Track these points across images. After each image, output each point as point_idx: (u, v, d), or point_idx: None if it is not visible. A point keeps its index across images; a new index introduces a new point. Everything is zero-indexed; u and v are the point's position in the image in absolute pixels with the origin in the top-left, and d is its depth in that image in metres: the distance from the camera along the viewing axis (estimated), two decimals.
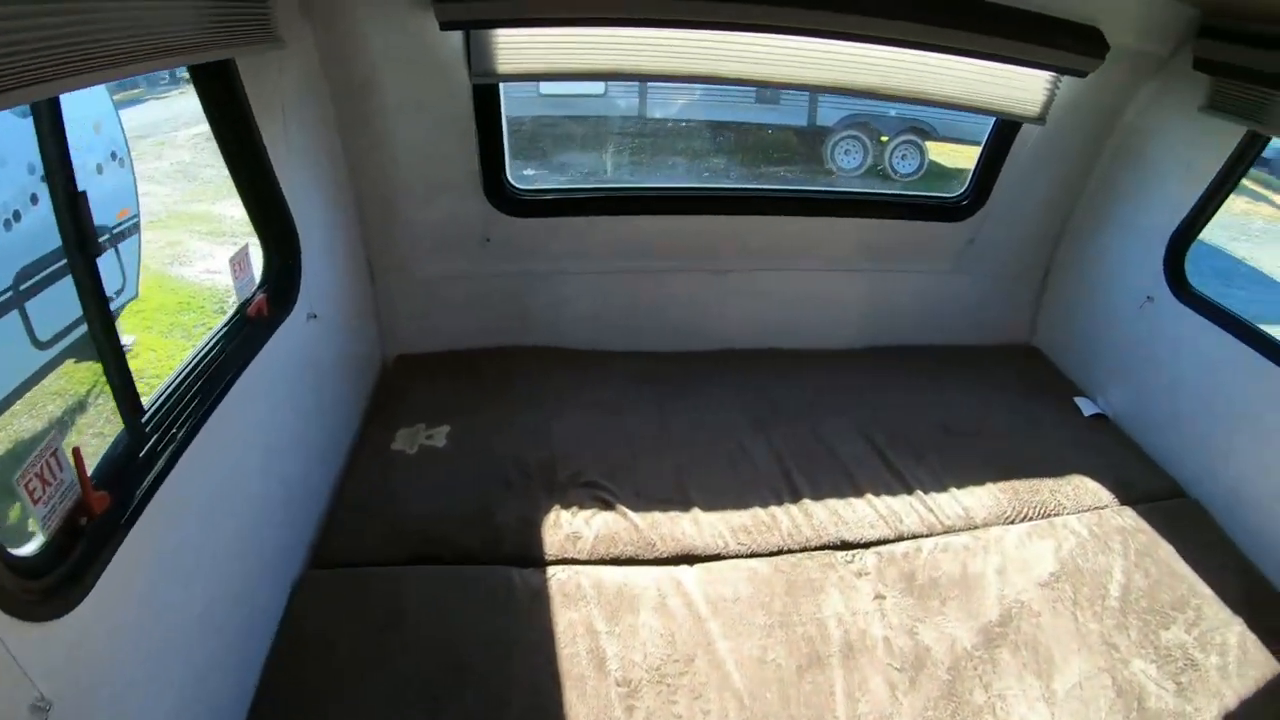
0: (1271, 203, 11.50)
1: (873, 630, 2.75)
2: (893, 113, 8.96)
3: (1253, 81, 3.22)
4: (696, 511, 3.16)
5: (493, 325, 4.08)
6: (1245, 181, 4.00)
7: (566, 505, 3.13)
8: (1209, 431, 3.63)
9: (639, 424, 3.63)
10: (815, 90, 3.56)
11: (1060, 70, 3.50)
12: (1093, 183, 4.29)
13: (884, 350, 4.54)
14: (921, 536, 3.16)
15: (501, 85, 3.54)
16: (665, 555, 2.97)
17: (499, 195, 3.77)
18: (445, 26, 3.05)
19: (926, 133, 9.16)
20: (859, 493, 3.33)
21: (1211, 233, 3.93)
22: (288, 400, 2.95)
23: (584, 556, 2.95)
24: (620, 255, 4.01)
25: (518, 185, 3.82)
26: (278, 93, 2.80)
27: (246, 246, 2.84)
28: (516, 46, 3.26)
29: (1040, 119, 3.76)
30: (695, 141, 8.66)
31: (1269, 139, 3.47)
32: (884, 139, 9.09)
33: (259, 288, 2.88)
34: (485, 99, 3.55)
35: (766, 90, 8.24)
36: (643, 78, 3.52)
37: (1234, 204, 11.17)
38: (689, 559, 2.97)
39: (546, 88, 7.24)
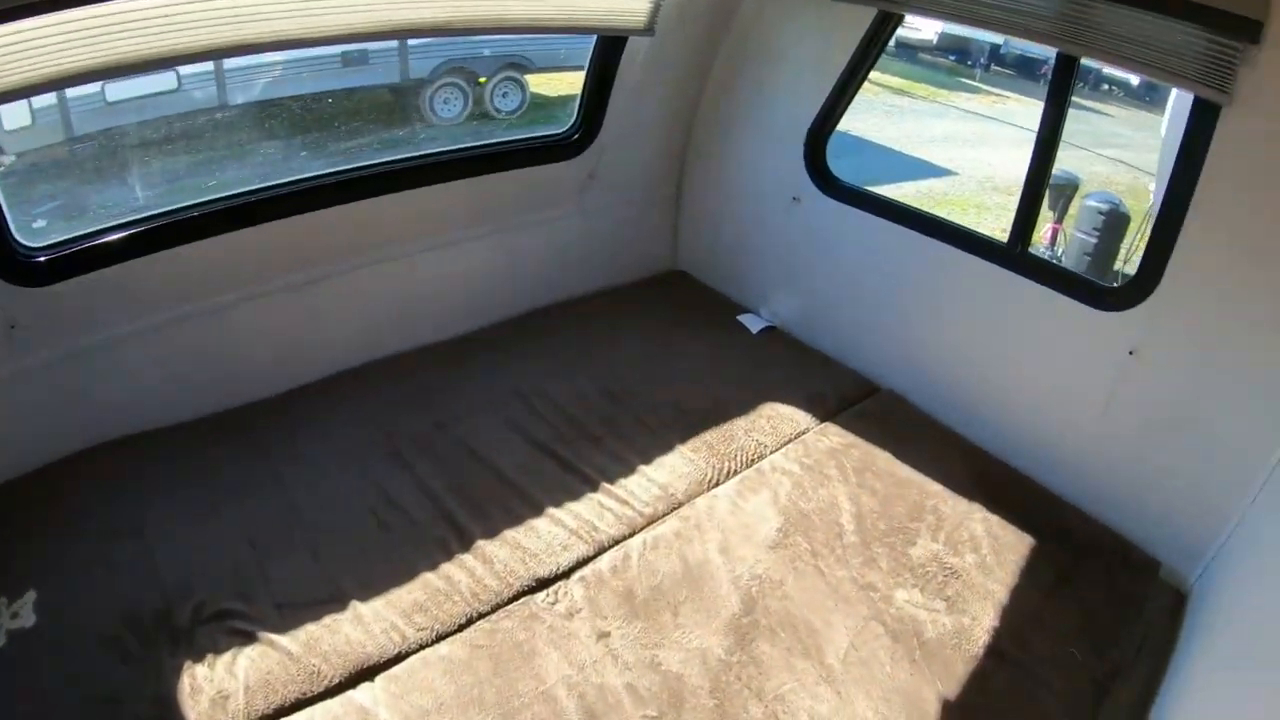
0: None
1: (610, 681, 2.35)
2: (486, 52, 8.95)
3: None
4: (356, 605, 2.54)
5: (52, 432, 3.05)
6: None
7: (199, 657, 2.39)
8: (881, 315, 3.77)
9: (256, 509, 2.87)
10: (382, 37, 2.84)
11: None
12: (712, 88, 4.25)
13: (524, 319, 4.16)
14: (625, 539, 2.81)
15: None
16: (336, 680, 2.35)
17: (8, 265, 2.75)
18: None
19: (524, 66, 9.26)
20: (538, 510, 2.89)
21: None
22: None
23: None
24: (184, 296, 3.20)
25: (29, 244, 2.82)
26: None
27: None
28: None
29: (648, 29, 3.54)
30: (280, 124, 7.78)
31: (902, 16, 3.56)
32: (482, 80, 9.07)
33: None
34: None
35: (352, 51, 7.77)
36: (173, 60, 2.57)
37: None
38: (366, 673, 2.38)
39: (113, 93, 5.99)
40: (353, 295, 3.59)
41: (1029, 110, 12.62)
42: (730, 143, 4.28)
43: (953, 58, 16.38)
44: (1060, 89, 3.14)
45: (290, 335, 3.47)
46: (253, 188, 3.18)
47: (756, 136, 4.13)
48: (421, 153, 3.58)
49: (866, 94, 12.93)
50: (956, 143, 11.77)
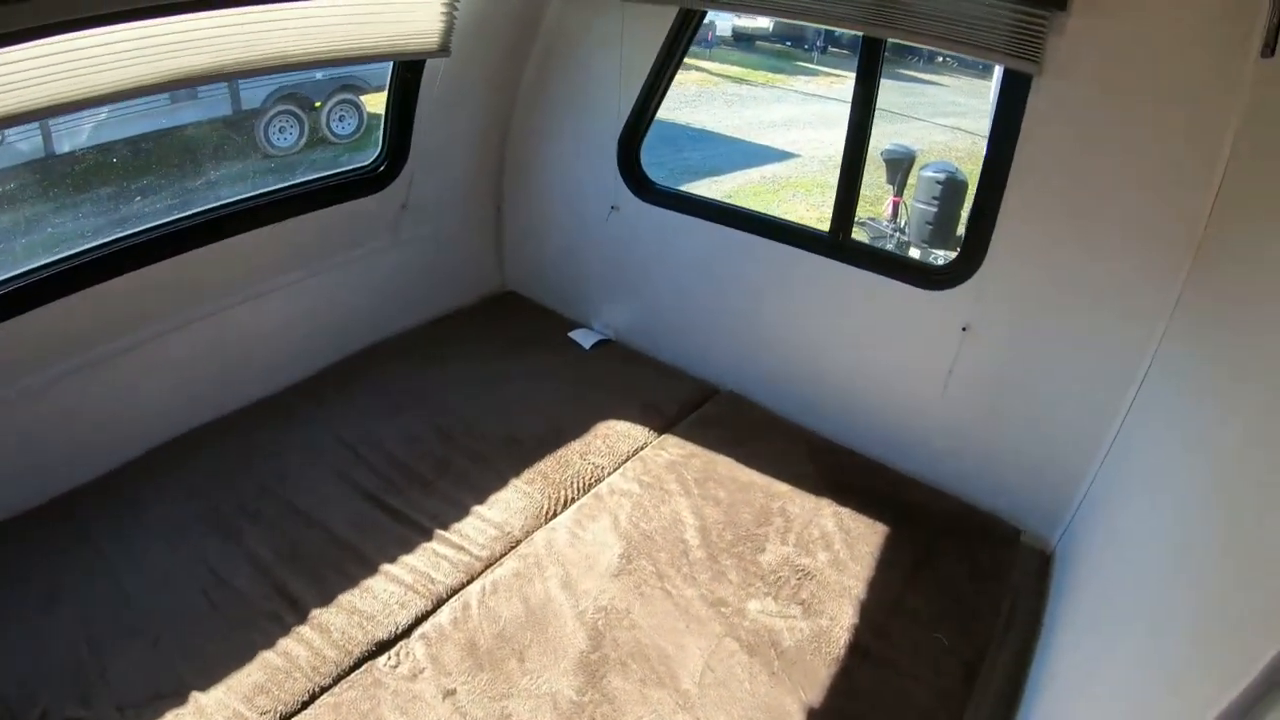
0: (700, 69, 14.19)
1: None
2: (319, 76, 8.69)
3: None
4: (196, 697, 2.37)
5: None
6: None
7: None
8: (713, 317, 3.80)
9: (89, 601, 2.67)
10: (155, 91, 2.65)
11: None
12: (523, 102, 4.21)
13: (350, 361, 4.01)
14: (463, 587, 2.70)
15: None
16: None
17: None
18: None
19: (360, 87, 9.02)
20: (372, 569, 2.75)
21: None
22: None
23: None
24: None
25: None
26: None
27: None
28: None
29: (443, 50, 3.43)
30: (108, 174, 7.38)
31: (704, 13, 3.60)
32: (318, 105, 8.85)
33: None
34: None
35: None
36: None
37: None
38: None
39: None
40: (166, 361, 3.39)
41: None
42: (546, 156, 4.24)
43: (789, 43, 16.79)
44: (868, 72, 3.18)
45: (104, 413, 3.25)
46: (47, 260, 2.95)
47: (571, 147, 4.10)
48: (222, 202, 3.40)
49: (708, 85, 13.38)
50: (798, 125, 12.07)
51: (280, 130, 8.59)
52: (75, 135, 7.15)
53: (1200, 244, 2.48)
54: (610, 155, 3.92)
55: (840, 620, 2.58)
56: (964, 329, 3.08)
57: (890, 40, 3.13)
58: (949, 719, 2.36)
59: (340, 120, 8.98)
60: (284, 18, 2.82)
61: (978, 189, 3.05)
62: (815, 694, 2.36)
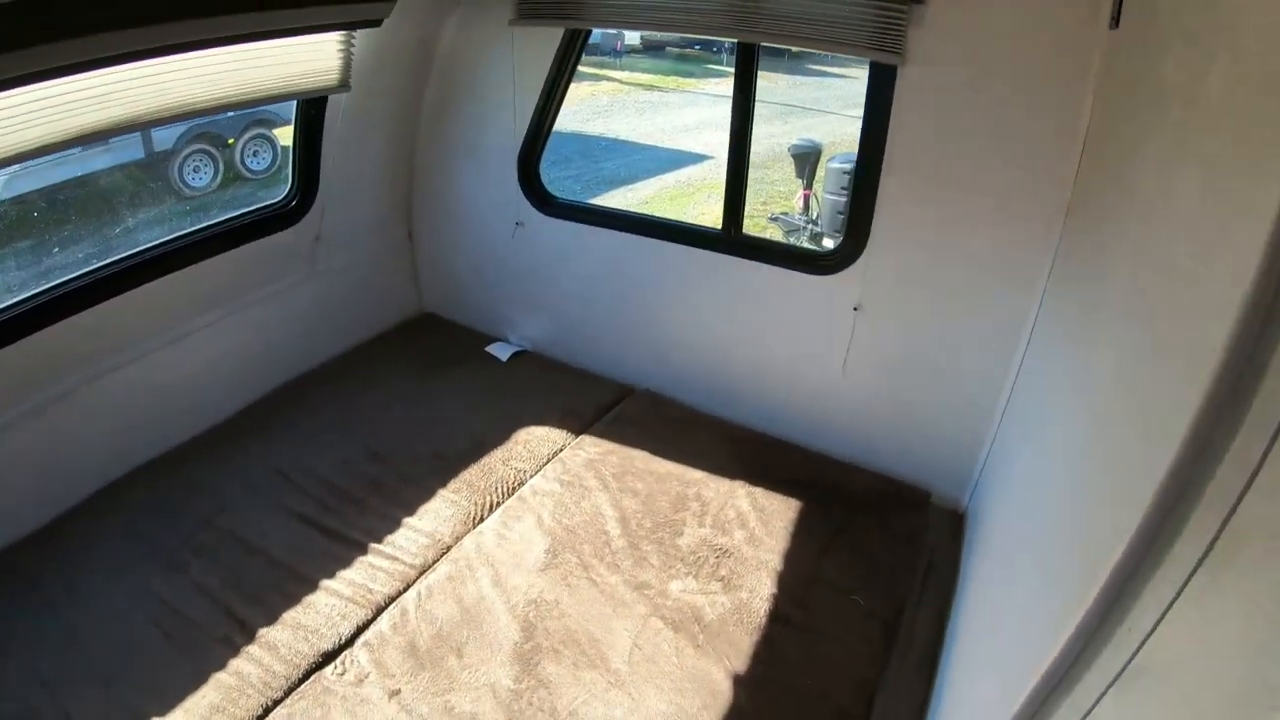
0: (611, 79, 14.37)
1: None
2: (230, 113, 8.40)
3: None
4: None
5: None
6: (583, 68, 4.09)
7: None
8: (622, 319, 4.03)
9: (41, 648, 2.73)
10: (47, 153, 2.73)
11: (353, 26, 3.33)
12: (425, 129, 4.38)
13: (278, 394, 4.13)
14: (400, 594, 2.86)
15: None
16: None
17: None
18: None
19: (272, 122, 9.02)
20: (312, 586, 2.89)
21: (565, 122, 4.27)
22: None
23: None
24: None
25: None
26: None
27: None
28: None
29: (344, 85, 3.59)
30: (27, 227, 7.33)
31: (589, 30, 3.79)
32: (230, 141, 8.84)
33: None
34: None
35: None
36: None
37: (578, 90, 14.09)
38: None
39: None
40: (97, 407, 3.44)
41: (775, 85, 13.34)
42: (451, 179, 4.40)
43: (697, 47, 17.01)
44: (745, 75, 3.39)
45: (39, 462, 3.28)
46: None
47: (474, 169, 4.27)
48: (137, 249, 3.46)
49: (620, 94, 13.50)
50: (710, 128, 12.20)
51: (195, 170, 8.56)
52: None
53: (1069, 207, 2.71)
54: (511, 173, 4.09)
55: (759, 592, 2.76)
56: (855, 309, 3.31)
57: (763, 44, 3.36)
58: (871, 675, 2.54)
59: (254, 156, 9.00)
60: (189, 66, 2.91)
61: (854, 176, 3.28)
62: (740, 662, 2.54)
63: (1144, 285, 1.60)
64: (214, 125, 8.63)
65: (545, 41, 3.77)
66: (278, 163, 9.10)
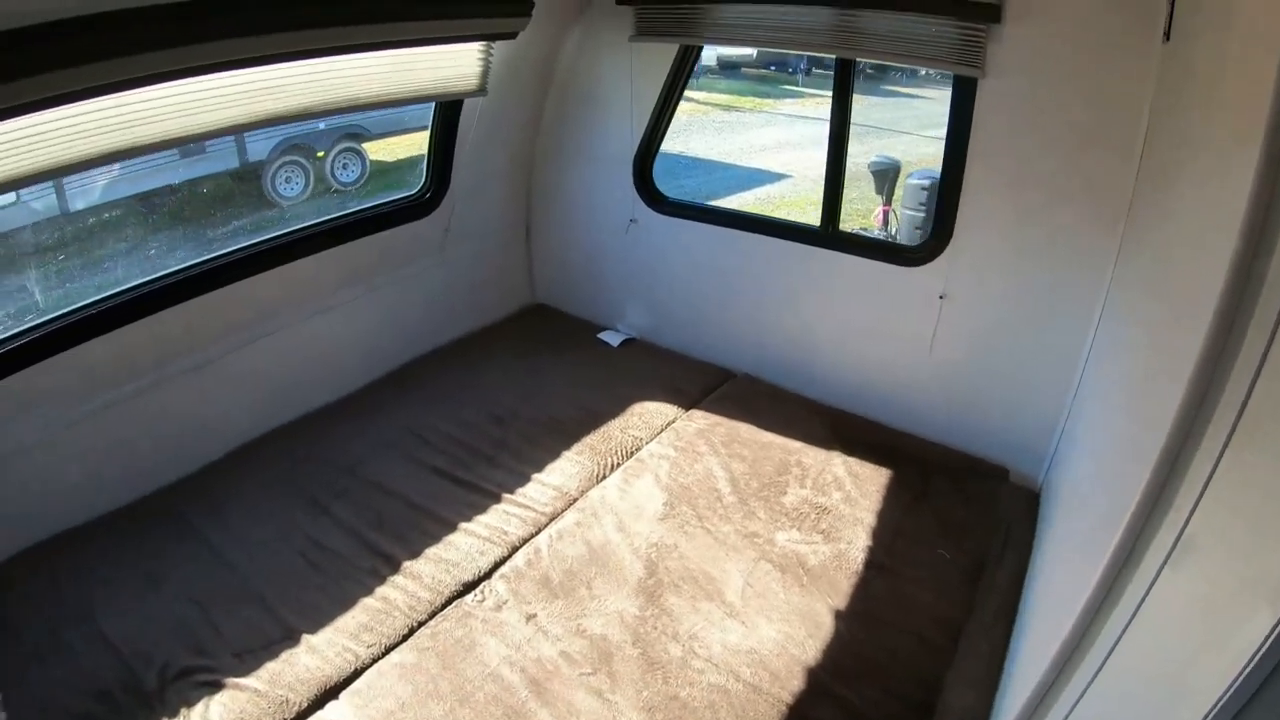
0: (689, 99, 14.57)
1: (545, 652, 2.76)
2: (322, 126, 9.10)
3: (670, 2, 3.93)
4: (307, 639, 2.85)
5: None
6: None
7: (174, 713, 2.62)
8: (724, 309, 4.45)
9: (195, 575, 3.10)
10: (236, 131, 3.18)
11: (492, 38, 3.79)
12: (545, 132, 4.85)
13: (406, 368, 4.60)
14: (533, 536, 3.25)
15: None
16: (304, 705, 2.65)
17: None
18: None
19: (362, 135, 9.52)
20: (451, 528, 3.29)
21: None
22: None
23: None
24: (85, 394, 3.37)
25: None
26: None
27: None
28: None
29: (482, 90, 4.06)
30: (129, 227, 7.80)
31: (701, 47, 4.25)
32: (320, 154, 9.26)
33: None
34: None
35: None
36: (67, 169, 2.86)
37: None
38: (330, 693, 2.69)
39: None
40: (246, 371, 3.87)
41: (854, 106, 13.62)
42: (568, 179, 4.87)
43: (773, 68, 17.40)
44: (843, 86, 3.83)
45: (194, 416, 3.71)
46: (134, 284, 3.41)
47: (590, 170, 4.74)
48: (289, 229, 3.91)
49: (697, 114, 13.87)
50: (788, 147, 12.61)
51: (286, 181, 8.91)
52: (88, 194, 7.45)
53: (1131, 200, 3.04)
54: (626, 175, 4.55)
55: (856, 543, 3.12)
56: (941, 297, 3.66)
57: (860, 60, 3.77)
58: (956, 616, 2.87)
59: (344, 169, 9.36)
60: (345, 67, 3.36)
61: (941, 176, 3.65)
62: (839, 600, 2.89)
63: (1176, 263, 1.95)
64: (306, 137, 8.98)
65: (661, 55, 4.21)
66: (366, 175, 9.49)
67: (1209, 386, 1.42)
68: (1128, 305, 2.75)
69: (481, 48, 3.83)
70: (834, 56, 3.76)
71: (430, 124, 4.34)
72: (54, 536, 3.30)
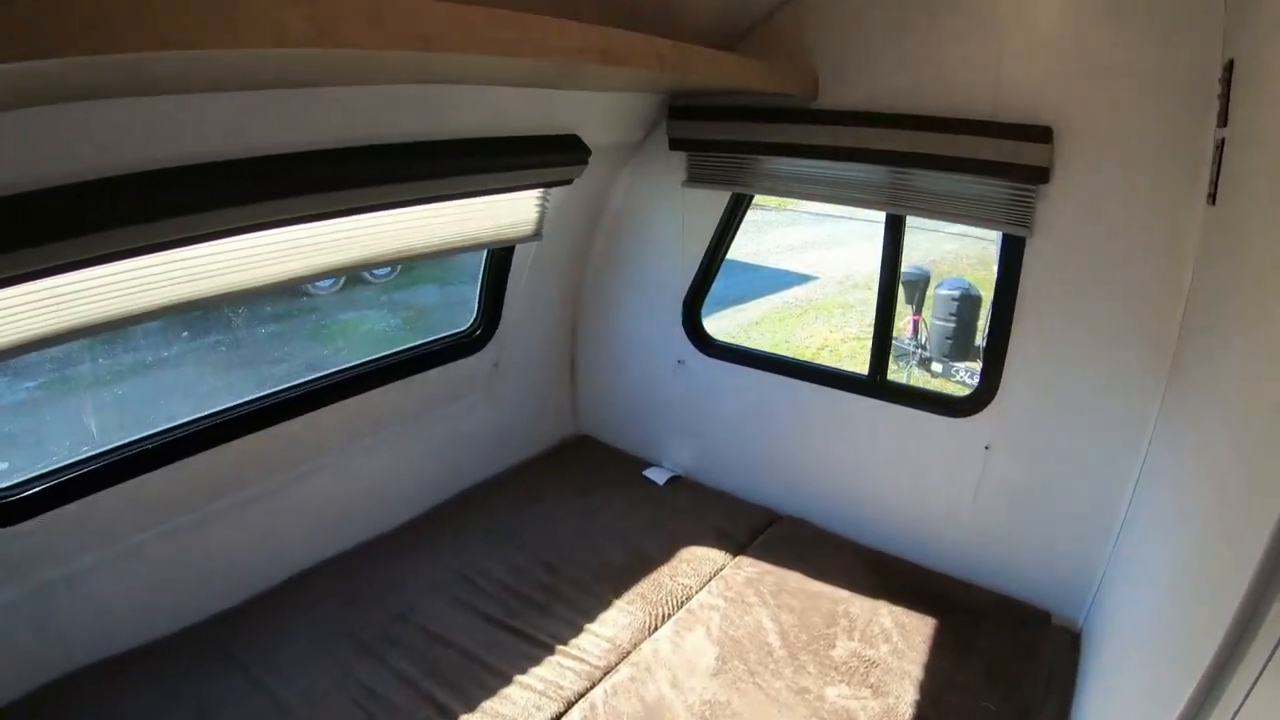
0: None
1: None
2: None
3: (723, 151, 4.13)
4: None
5: (20, 666, 3.13)
6: None
7: None
8: (771, 452, 4.57)
9: (248, 718, 3.13)
10: (295, 283, 3.33)
11: (551, 185, 3.97)
12: (592, 271, 5.05)
13: (453, 502, 4.65)
14: (588, 691, 3.29)
15: None
16: None
17: None
18: None
19: None
20: (506, 680, 3.34)
21: None
22: None
23: None
24: (143, 523, 3.45)
25: None
26: None
27: None
28: None
29: (537, 235, 4.26)
30: (168, 327, 8.22)
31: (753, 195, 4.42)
32: None
33: None
34: None
35: None
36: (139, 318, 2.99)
37: None
38: None
39: None
40: (295, 505, 3.97)
41: None
42: (615, 316, 5.05)
43: None
44: (894, 242, 3.98)
45: (244, 548, 3.79)
46: (195, 416, 3.52)
47: (637, 309, 4.92)
48: (342, 367, 4.03)
49: None
50: (814, 247, 12.84)
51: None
52: None
53: (1174, 356, 3.14)
54: (675, 315, 4.72)
55: (904, 698, 3.16)
56: (986, 448, 3.77)
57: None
58: None
59: None
60: (407, 218, 3.51)
61: (989, 329, 3.77)
62: None
63: (1231, 421, 2.01)
64: None
65: (709, 200, 4.41)
66: (397, 270, 9.65)
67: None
68: (1176, 452, 2.80)
69: (539, 195, 4.01)
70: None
71: (482, 266, 4.50)
72: (96, 664, 3.30)
